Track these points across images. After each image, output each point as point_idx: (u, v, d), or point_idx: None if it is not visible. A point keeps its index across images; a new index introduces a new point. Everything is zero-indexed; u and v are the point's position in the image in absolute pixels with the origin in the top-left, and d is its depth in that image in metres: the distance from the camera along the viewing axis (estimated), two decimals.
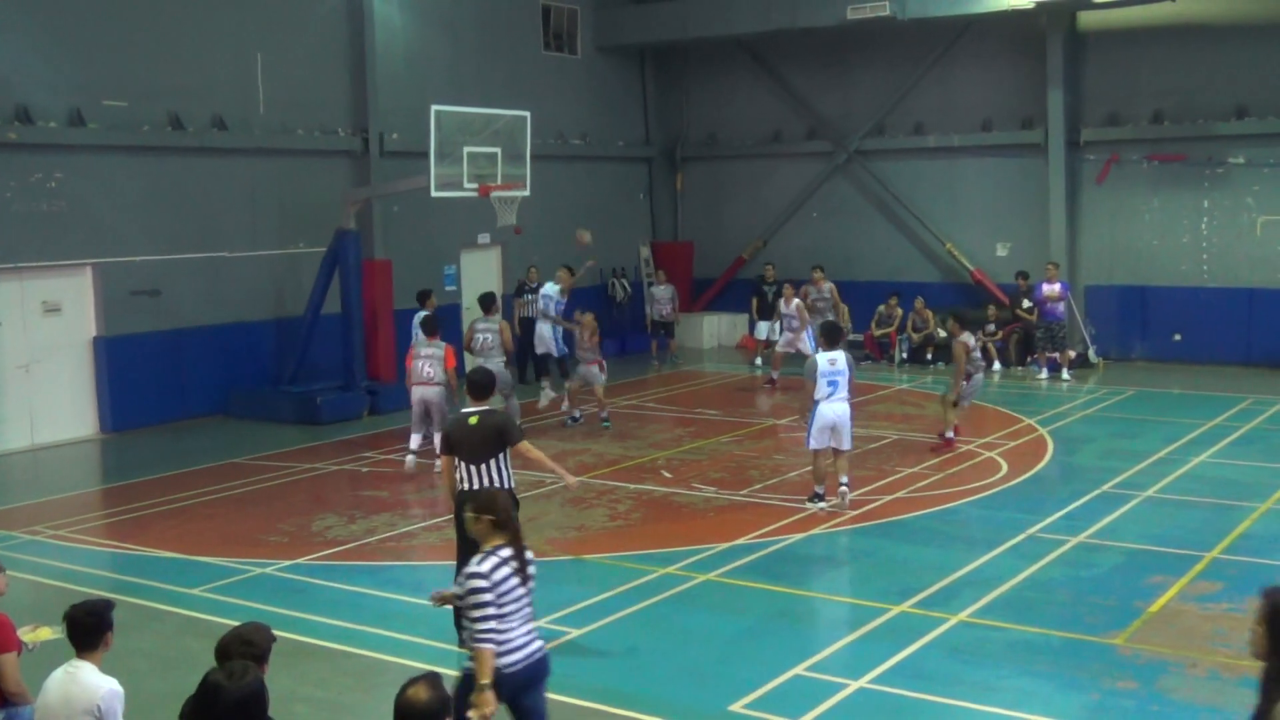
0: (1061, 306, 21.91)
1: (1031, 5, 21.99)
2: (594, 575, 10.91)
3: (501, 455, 8.85)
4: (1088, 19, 23.51)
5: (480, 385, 9.18)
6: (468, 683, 6.03)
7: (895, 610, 9.79)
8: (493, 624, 6.01)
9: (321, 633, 9.56)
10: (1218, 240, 22.87)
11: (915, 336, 23.87)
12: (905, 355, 23.88)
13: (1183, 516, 12.52)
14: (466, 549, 8.86)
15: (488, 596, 6.02)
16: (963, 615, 9.62)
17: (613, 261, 26.78)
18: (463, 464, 8.79)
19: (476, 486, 8.59)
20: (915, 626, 9.41)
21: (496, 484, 8.71)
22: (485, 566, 6.10)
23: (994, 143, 24.78)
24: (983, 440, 16.26)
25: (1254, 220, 22.62)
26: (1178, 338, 22.88)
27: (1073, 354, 22.24)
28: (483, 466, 8.76)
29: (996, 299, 23.93)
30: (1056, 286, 21.96)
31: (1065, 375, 21.47)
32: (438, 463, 11.91)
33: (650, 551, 11.62)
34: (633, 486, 14.13)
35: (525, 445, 8.93)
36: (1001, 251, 24.72)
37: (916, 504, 13.13)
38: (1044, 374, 21.62)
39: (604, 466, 15.20)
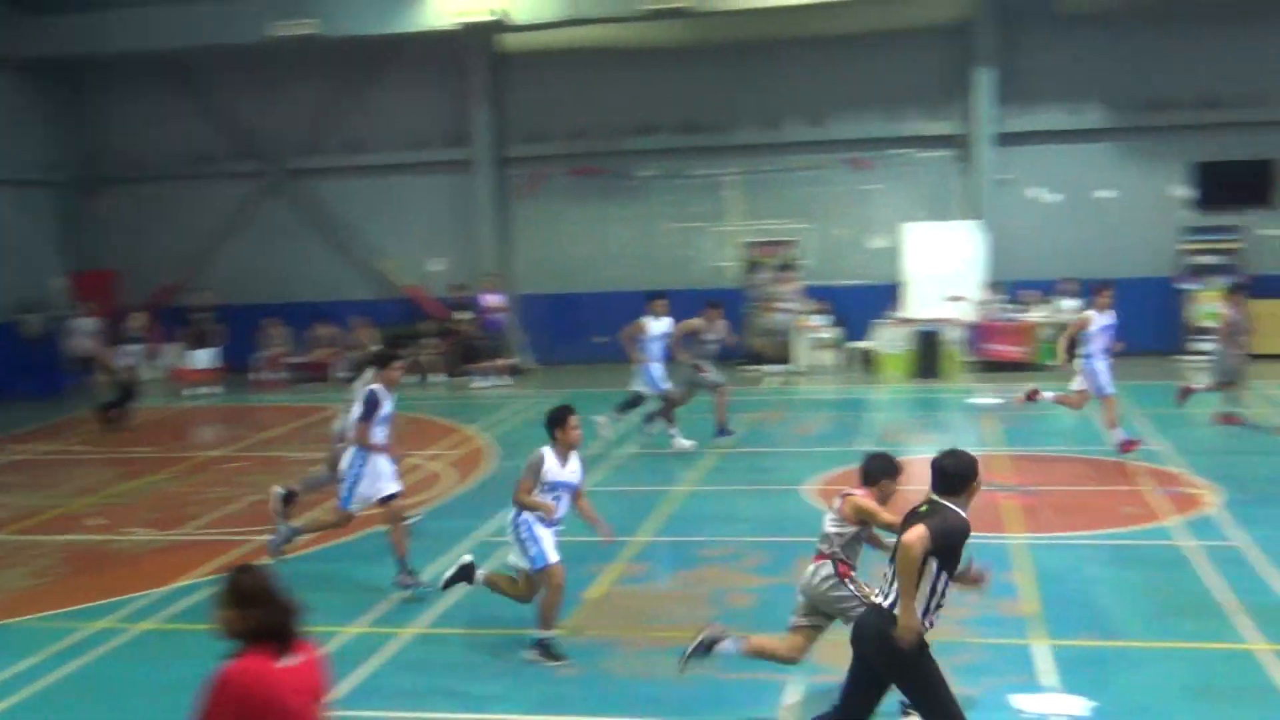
0: (502, 316, 22.77)
1: (455, 26, 22.62)
2: (14, 642, 9.86)
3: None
4: (510, 40, 24.58)
5: (949, 475, 6.51)
6: None
7: (349, 631, 9.65)
8: None
9: None
10: (634, 247, 24.72)
11: (356, 354, 23.86)
12: (350, 374, 23.76)
13: (613, 505, 13.28)
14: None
15: None
16: (418, 628, 9.66)
17: (17, 295, 24.35)
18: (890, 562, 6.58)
19: (882, 595, 6.45)
20: (371, 645, 9.32)
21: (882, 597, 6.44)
22: None
23: (426, 160, 25.27)
24: (424, 453, 16.47)
25: (663, 228, 24.69)
26: (602, 340, 24.41)
27: (510, 361, 23.16)
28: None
29: (432, 313, 24.44)
30: (497, 297, 22.79)
31: (503, 382, 22.30)
32: None
33: (81, 606, 10.69)
34: (59, 538, 12.96)
35: (919, 532, 6.24)
36: (436, 266, 25.23)
37: (367, 522, 13.02)
38: (482, 382, 22.32)
39: (24, 518, 13.82)
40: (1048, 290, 22.53)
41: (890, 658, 6.21)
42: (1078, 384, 14.91)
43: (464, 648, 9.30)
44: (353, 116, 25.60)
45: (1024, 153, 23.17)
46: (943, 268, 22.26)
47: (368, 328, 24.19)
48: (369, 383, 10.76)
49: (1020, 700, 7.78)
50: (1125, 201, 23.01)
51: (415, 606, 10.14)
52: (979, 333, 21.88)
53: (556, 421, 9.05)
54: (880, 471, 7.51)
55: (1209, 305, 21.71)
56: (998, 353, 21.78)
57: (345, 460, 10.73)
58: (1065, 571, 10.45)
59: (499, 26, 23.10)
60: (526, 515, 8.91)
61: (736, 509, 13.15)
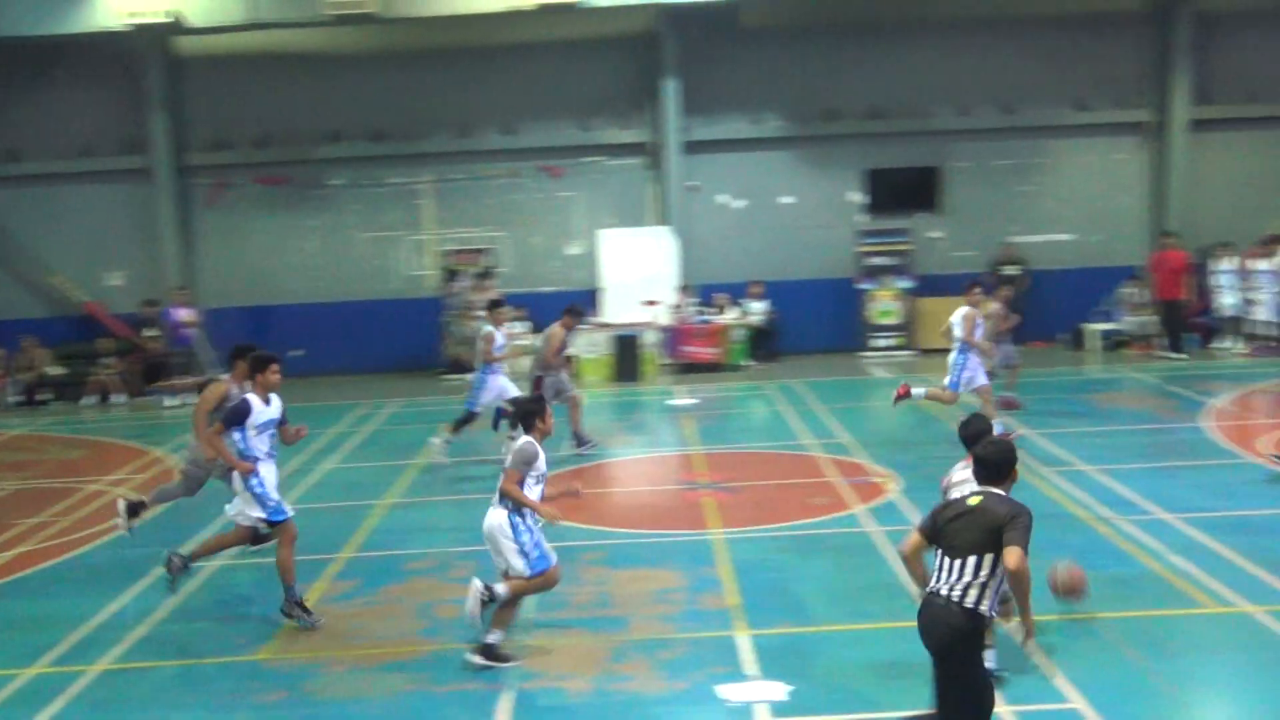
0: (193, 331, 21.77)
1: (125, 28, 21.44)
2: None
3: (991, 557, 6.27)
4: (187, 43, 23.50)
5: (992, 463, 6.62)
6: None
7: (27, 673, 8.97)
8: None
9: None
10: (327, 257, 24.13)
11: (26, 376, 22.39)
12: (20, 398, 22.30)
13: (316, 522, 12.92)
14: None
15: None
16: (105, 664, 9.08)
17: None
18: (942, 555, 6.44)
19: (949, 588, 6.28)
20: (53, 686, 8.70)
21: (973, 596, 6.25)
22: None
23: (98, 169, 23.88)
24: (109, 478, 15.55)
25: (357, 237, 24.20)
26: (299, 353, 23.74)
27: (200, 379, 22.12)
28: (967, 561, 6.31)
29: (114, 330, 23.14)
30: (188, 311, 21.77)
31: (195, 400, 21.28)
32: None
33: None
34: None
35: (1018, 555, 6.20)
36: (116, 280, 23.89)
37: (44, 555, 12.20)
38: (172, 401, 21.28)
39: None
40: (738, 293, 23.41)
41: (955, 651, 6.25)
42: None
43: (159, 682, 8.80)
44: (13, 123, 23.88)
45: (710, 160, 24.00)
46: (638, 273, 22.79)
47: (39, 348, 22.72)
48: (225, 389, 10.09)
49: (726, 690, 8.01)
50: (805, 207, 24.18)
51: (106, 639, 9.52)
52: (674, 336, 22.49)
53: (536, 412, 8.86)
54: (978, 435, 7.57)
55: (884, 304, 23.12)
56: (692, 355, 22.45)
57: (239, 479, 9.66)
58: (762, 563, 10.85)
59: (174, 28, 22.02)
60: (519, 518, 8.55)
61: (442, 520, 13.02)
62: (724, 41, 23.65)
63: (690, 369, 22.21)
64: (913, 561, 6.68)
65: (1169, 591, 9.62)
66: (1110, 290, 23.36)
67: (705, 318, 22.93)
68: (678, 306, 22.76)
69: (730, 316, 23.02)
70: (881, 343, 23.36)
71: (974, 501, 6.45)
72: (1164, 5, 23.42)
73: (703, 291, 23.42)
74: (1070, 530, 11.44)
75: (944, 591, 6.29)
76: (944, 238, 24.05)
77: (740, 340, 22.73)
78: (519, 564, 8.51)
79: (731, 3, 22.40)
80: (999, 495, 6.47)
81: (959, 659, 6.25)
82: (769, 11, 23.52)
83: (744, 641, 8.88)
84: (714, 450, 15.80)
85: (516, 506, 8.56)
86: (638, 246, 23.10)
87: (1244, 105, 23.78)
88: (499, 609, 8.54)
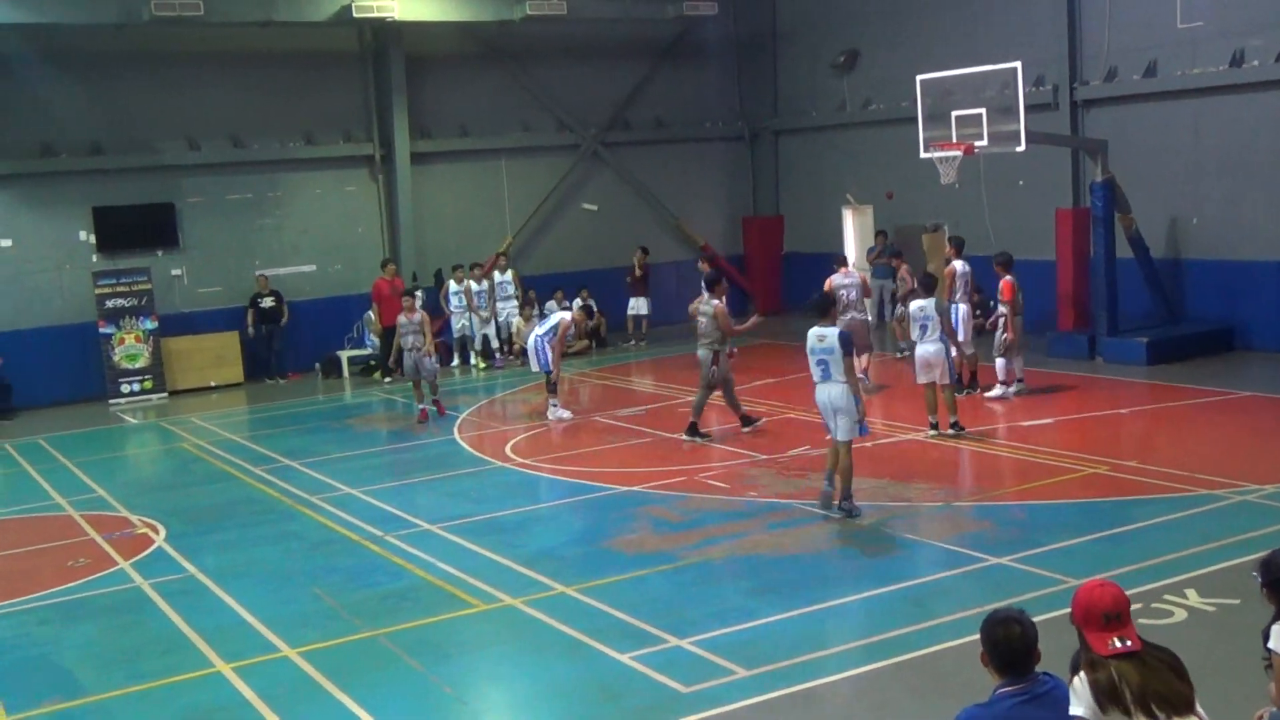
0: None
1: None
2: None
3: None
4: None
5: None
6: None
7: None
8: None
9: None
10: None
11: None
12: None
13: None
14: None
15: None
16: None
17: None
18: None
19: None
20: None
21: None
22: None
23: None
24: None
25: None
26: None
27: None
28: None
29: None
30: None
31: None
32: None
33: None
34: None
35: None
36: None
37: None
38: None
39: None
40: None
41: None
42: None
43: None
44: None
45: None
46: None
47: None
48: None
49: None
50: (29, 249, 22.23)
51: None
52: None
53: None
54: None
55: (130, 347, 22.05)
56: None
57: (845, 394, 11.25)
58: (19, 640, 9.92)
59: None
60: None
61: None
62: None
63: None
64: None
65: (441, 597, 10.19)
66: (357, 317, 24.15)
67: None
68: None
69: None
70: (130, 388, 22.24)
71: None
72: (378, 47, 24.58)
73: None
74: (343, 553, 11.71)
75: None
76: (186, 275, 23.40)
77: None
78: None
79: None
80: None
81: None
82: None
83: None
84: None
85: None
86: None
87: (458, 139, 25.72)
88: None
